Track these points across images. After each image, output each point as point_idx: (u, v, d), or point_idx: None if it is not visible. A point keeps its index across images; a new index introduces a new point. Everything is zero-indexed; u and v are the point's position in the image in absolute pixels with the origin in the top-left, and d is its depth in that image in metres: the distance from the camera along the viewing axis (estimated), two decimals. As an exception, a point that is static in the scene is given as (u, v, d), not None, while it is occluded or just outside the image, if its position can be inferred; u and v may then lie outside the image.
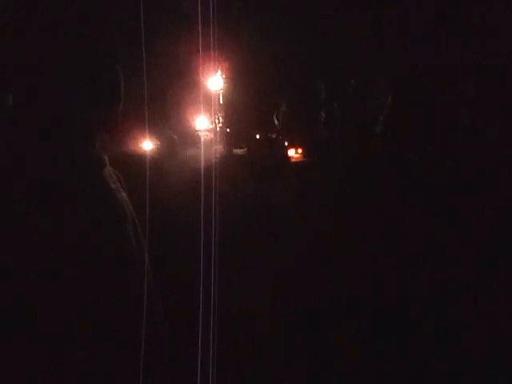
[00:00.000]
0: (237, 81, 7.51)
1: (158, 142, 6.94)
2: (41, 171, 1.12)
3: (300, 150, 6.73)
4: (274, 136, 6.98)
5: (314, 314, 3.73)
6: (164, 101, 6.99)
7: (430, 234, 4.34)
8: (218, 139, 7.69)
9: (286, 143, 6.86)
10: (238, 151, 7.42)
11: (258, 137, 7.13)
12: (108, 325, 1.13)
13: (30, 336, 1.06)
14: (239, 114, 7.43)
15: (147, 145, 6.53)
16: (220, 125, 7.82)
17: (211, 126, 7.68)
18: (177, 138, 7.50)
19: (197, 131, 7.54)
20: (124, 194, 1.30)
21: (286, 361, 3.27)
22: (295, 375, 3.15)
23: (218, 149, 7.57)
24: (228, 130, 7.71)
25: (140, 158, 5.80)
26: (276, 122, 7.05)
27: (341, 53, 6.09)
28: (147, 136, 6.30)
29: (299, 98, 6.72)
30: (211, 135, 7.64)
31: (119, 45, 1.37)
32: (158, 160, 6.48)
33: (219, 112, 7.85)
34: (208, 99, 7.82)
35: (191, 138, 7.50)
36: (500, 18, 5.35)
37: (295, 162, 6.68)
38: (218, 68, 7.75)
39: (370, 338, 3.40)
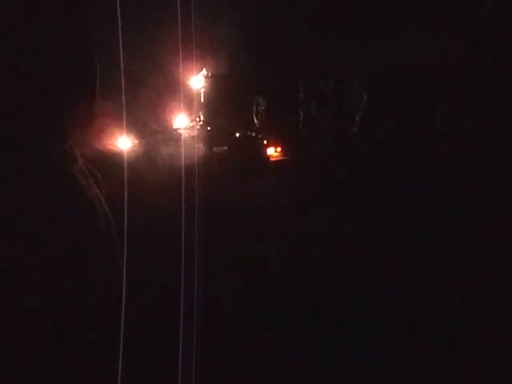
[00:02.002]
0: (218, 80, 7.53)
1: (136, 140, 6.92)
2: None
3: (279, 149, 6.78)
4: (253, 135, 7.03)
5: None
6: (143, 98, 6.96)
7: (405, 231, 4.40)
8: (199, 137, 7.69)
9: (265, 142, 6.91)
10: (219, 150, 7.43)
11: (237, 135, 7.16)
12: (81, 327, 1.11)
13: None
14: (220, 112, 7.46)
15: (125, 142, 6.51)
16: (201, 123, 7.83)
17: (191, 124, 7.69)
18: (157, 135, 7.48)
19: (177, 129, 7.54)
20: (97, 191, 1.23)
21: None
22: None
23: (199, 147, 7.56)
24: (209, 128, 7.72)
25: (117, 156, 5.78)
26: (255, 120, 7.10)
27: (317, 52, 6.14)
28: (125, 133, 6.28)
29: (278, 97, 6.75)
30: (192, 133, 7.65)
31: (96, 38, 1.30)
32: (135, 158, 6.46)
33: (200, 110, 7.86)
34: (189, 97, 7.83)
35: (171, 135, 7.47)
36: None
37: (274, 161, 6.72)
38: (201, 67, 7.77)
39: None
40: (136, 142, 6.93)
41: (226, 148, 7.28)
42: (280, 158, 6.78)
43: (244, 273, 4.26)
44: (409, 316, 3.50)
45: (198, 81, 7.67)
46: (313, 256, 4.35)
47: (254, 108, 7.13)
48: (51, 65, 1.13)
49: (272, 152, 6.86)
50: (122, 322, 1.15)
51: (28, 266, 1.03)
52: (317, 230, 4.76)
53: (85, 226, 1.14)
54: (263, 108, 7.14)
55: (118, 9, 1.52)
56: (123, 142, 6.44)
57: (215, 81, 7.64)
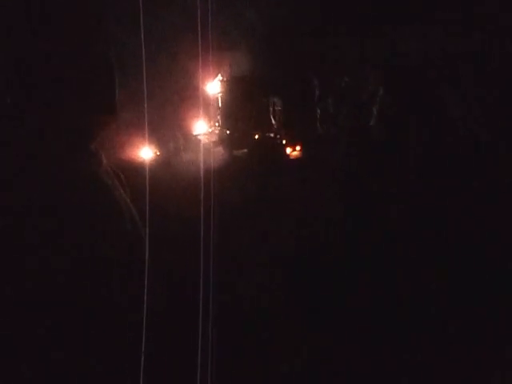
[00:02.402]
0: (234, 83, 7.61)
1: (158, 148, 7.02)
2: (30, 175, 1.12)
3: (298, 148, 6.83)
4: (271, 135, 7.09)
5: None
6: (163, 106, 7.05)
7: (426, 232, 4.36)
8: (219, 142, 7.77)
9: (284, 141, 6.96)
10: (239, 152, 7.50)
11: (256, 137, 7.23)
12: (106, 324, 1.13)
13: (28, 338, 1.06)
14: (237, 116, 7.54)
15: (147, 151, 6.61)
16: (220, 127, 7.91)
17: (210, 130, 7.78)
18: (178, 142, 7.59)
19: (196, 135, 7.64)
20: (122, 191, 1.27)
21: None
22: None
23: (219, 151, 7.64)
24: (228, 131, 7.80)
25: (139, 162, 5.88)
26: (273, 121, 7.16)
27: (333, 49, 6.17)
28: (147, 142, 6.38)
29: (294, 96, 6.80)
30: (211, 138, 7.74)
31: (115, 48, 1.34)
32: (157, 165, 6.55)
33: (218, 115, 7.95)
34: (207, 103, 7.92)
35: (191, 142, 7.57)
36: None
37: (294, 160, 6.76)
38: (217, 72, 7.86)
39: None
40: (157, 149, 7.03)
41: (245, 151, 7.35)
42: (299, 156, 6.81)
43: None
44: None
45: (214, 86, 7.77)
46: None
47: (271, 109, 7.19)
48: (75, 71, 1.18)
49: (291, 151, 6.90)
50: (145, 318, 1.16)
51: (56, 265, 1.07)
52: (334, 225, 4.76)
53: (110, 224, 1.18)
54: (279, 108, 7.19)
55: (141, 21, 1.54)
56: (145, 150, 6.54)
57: (231, 85, 7.72)
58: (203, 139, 7.50)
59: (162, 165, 6.57)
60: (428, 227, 4.47)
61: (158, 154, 7.03)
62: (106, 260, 1.13)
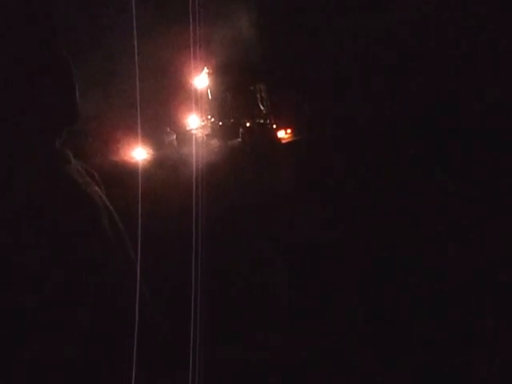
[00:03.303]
0: (220, 75, 7.65)
1: (151, 146, 7.08)
2: None
3: (289, 131, 6.92)
4: (261, 121, 7.17)
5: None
6: (155, 104, 7.08)
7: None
8: (213, 134, 7.83)
9: (275, 126, 7.05)
10: (233, 142, 7.56)
11: (248, 125, 7.30)
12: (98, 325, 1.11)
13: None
14: (227, 107, 7.60)
15: (140, 150, 6.67)
16: (212, 120, 7.96)
17: (203, 123, 7.83)
18: (172, 139, 7.65)
19: (190, 130, 7.69)
20: (96, 188, 1.22)
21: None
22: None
23: (214, 143, 7.69)
24: (220, 123, 7.85)
25: (134, 161, 5.92)
26: (262, 107, 7.24)
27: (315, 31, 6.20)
28: (140, 141, 6.43)
29: (280, 81, 6.85)
30: (205, 131, 7.79)
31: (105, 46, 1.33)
32: (151, 163, 6.60)
33: (209, 108, 7.99)
34: (196, 97, 7.95)
35: (185, 137, 7.63)
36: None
37: (285, 144, 6.83)
38: (203, 66, 7.88)
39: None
40: (151, 147, 7.08)
41: (239, 140, 7.42)
42: (290, 139, 6.89)
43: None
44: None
45: (202, 79, 7.80)
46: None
47: (258, 96, 7.25)
48: (33, 76, 1.18)
49: (282, 135, 6.97)
50: (137, 309, 1.13)
51: (30, 266, 1.05)
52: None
53: (85, 219, 1.15)
54: (266, 94, 7.25)
55: (134, 21, 1.55)
56: (138, 149, 6.59)
57: (218, 76, 7.77)
58: (196, 133, 7.58)
59: (155, 162, 6.61)
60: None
61: (151, 151, 7.09)
62: (83, 260, 1.11)
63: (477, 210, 4.12)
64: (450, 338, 2.98)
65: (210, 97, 7.91)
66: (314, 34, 6.18)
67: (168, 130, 7.54)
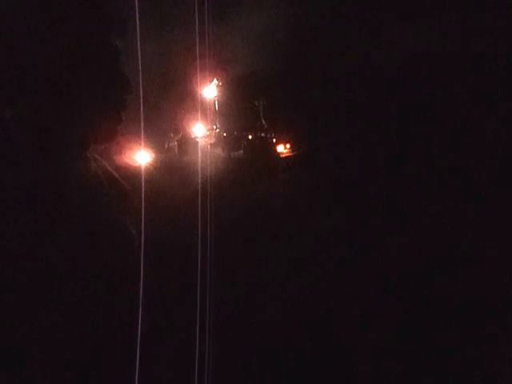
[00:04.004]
0: (228, 87, 7.89)
1: (156, 152, 7.25)
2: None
3: (288, 145, 7.20)
4: (263, 135, 7.43)
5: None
6: (162, 110, 7.25)
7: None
8: (217, 144, 8.04)
9: (275, 140, 7.31)
10: (236, 154, 7.79)
11: (250, 137, 7.55)
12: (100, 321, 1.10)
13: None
14: (232, 118, 7.85)
15: (144, 155, 6.81)
16: (217, 130, 8.18)
17: (208, 133, 8.05)
18: (176, 145, 7.85)
19: (195, 138, 7.90)
20: (117, 191, 1.25)
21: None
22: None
23: (218, 152, 7.90)
24: (225, 134, 8.07)
25: (138, 167, 6.06)
26: (263, 121, 7.51)
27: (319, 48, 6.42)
28: (144, 146, 6.59)
29: (282, 96, 7.09)
30: (209, 141, 8.00)
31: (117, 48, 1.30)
32: (156, 169, 6.75)
33: (216, 118, 8.21)
34: (204, 107, 8.16)
35: (190, 144, 7.83)
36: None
37: (284, 158, 7.06)
38: (213, 76, 8.12)
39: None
40: (155, 152, 7.25)
41: (241, 151, 7.65)
42: (290, 153, 7.12)
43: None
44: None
45: (211, 90, 8.04)
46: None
47: (261, 110, 7.52)
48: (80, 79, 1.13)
49: (282, 149, 7.22)
50: (141, 302, 1.13)
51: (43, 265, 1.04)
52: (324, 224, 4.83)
53: (101, 223, 1.14)
54: (267, 108, 7.54)
55: (137, 25, 1.49)
56: (142, 155, 6.74)
57: (226, 89, 8.04)
58: (201, 141, 7.79)
59: (160, 168, 6.77)
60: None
61: (156, 157, 7.26)
62: (98, 261, 1.11)
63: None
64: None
65: (216, 108, 8.16)
66: (326, 57, 6.40)
67: (171, 135, 7.73)
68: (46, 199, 1.06)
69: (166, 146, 7.62)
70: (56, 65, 1.10)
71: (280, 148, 7.24)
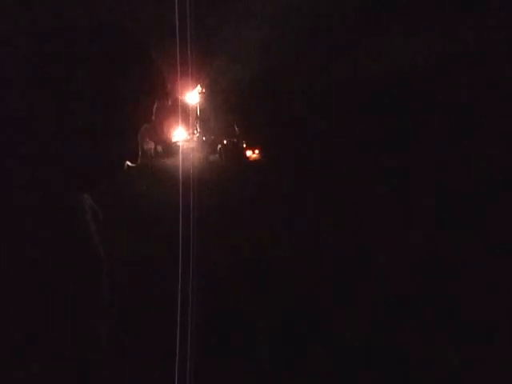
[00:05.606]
0: (210, 95, 8.42)
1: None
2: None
3: (257, 151, 8.09)
4: (235, 141, 8.20)
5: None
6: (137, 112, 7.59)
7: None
8: (197, 148, 8.54)
9: (244, 146, 8.15)
10: (213, 157, 8.44)
11: (225, 142, 8.29)
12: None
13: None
14: (211, 125, 8.49)
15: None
16: (197, 135, 8.67)
17: (189, 137, 8.52)
18: (159, 147, 8.31)
19: (176, 141, 8.34)
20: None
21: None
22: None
23: (197, 156, 8.41)
24: (204, 138, 8.62)
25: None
26: (236, 128, 8.23)
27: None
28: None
29: (255, 109, 7.76)
30: (190, 145, 8.45)
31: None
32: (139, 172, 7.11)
33: (197, 123, 8.69)
34: (186, 112, 8.62)
35: (171, 147, 8.30)
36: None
37: (252, 162, 7.89)
38: (196, 84, 8.58)
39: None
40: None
41: (217, 155, 8.35)
42: (257, 158, 7.98)
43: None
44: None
45: (193, 96, 8.49)
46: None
47: (236, 118, 8.29)
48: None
49: (250, 154, 8.11)
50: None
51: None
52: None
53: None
54: (240, 117, 8.30)
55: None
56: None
57: (208, 96, 8.67)
58: (182, 145, 8.24)
59: (143, 170, 7.13)
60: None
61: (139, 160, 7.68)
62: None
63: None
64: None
65: (198, 114, 8.66)
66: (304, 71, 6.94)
67: (147, 139, 8.22)
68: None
69: (145, 149, 8.13)
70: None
71: (249, 153, 8.08)
